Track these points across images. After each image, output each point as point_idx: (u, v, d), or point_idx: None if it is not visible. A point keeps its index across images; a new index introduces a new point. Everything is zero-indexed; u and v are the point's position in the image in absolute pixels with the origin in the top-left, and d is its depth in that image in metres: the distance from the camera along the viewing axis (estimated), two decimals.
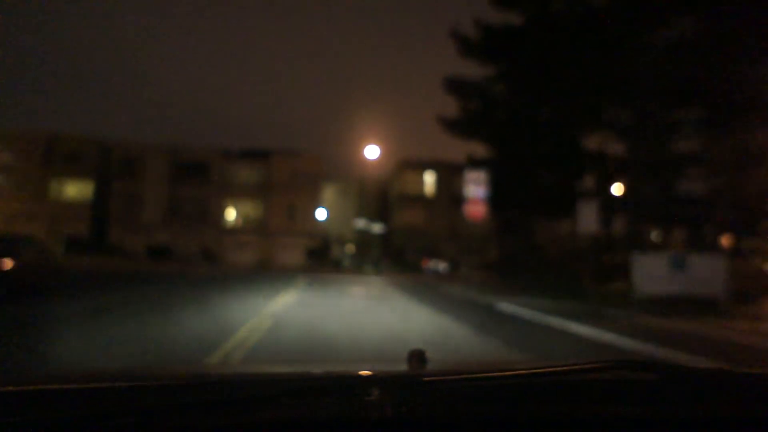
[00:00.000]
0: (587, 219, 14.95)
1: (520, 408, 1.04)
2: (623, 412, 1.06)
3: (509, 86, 23.22)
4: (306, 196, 45.27)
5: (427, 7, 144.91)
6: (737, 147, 17.19)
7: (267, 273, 28.49)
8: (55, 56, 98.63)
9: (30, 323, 7.33)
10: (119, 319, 8.24)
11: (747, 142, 17.02)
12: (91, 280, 17.11)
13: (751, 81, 15.48)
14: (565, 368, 1.07)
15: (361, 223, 47.27)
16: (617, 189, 21.71)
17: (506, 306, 13.85)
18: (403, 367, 1.31)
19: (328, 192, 49.79)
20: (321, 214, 46.18)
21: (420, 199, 45.85)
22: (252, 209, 45.97)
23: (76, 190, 45.17)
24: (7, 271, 9.62)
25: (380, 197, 51.14)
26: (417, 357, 1.31)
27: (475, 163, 21.99)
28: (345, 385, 1.06)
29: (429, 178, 46.44)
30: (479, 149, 25.54)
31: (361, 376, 1.21)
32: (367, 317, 10.26)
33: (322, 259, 43.92)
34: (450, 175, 45.62)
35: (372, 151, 34.75)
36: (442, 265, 40.11)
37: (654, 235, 24.02)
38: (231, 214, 46.20)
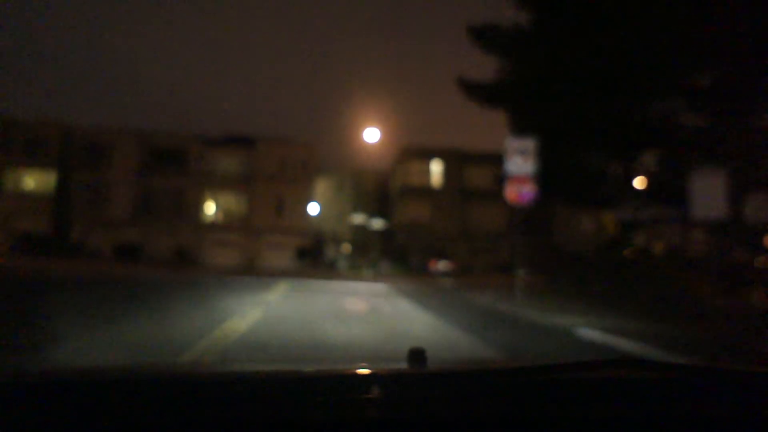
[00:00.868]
0: (708, 200, 9.81)
1: (519, 406, 1.03)
2: (620, 410, 1.05)
3: (550, 37, 18.09)
4: (296, 189, 40.49)
5: None
6: None
7: (245, 277, 23.23)
8: (9, 32, 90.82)
9: None
10: None
11: None
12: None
13: None
14: (564, 366, 1.13)
15: (358, 218, 42.48)
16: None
17: (592, 334, 8.67)
18: (403, 365, 1.27)
19: (322, 184, 45.01)
20: (313, 208, 41.43)
21: (425, 191, 40.77)
22: (234, 203, 40.92)
23: (35, 181, 40.15)
24: None
25: (380, 190, 46.16)
26: (416, 356, 1.26)
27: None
28: (346, 383, 1.08)
29: (436, 168, 41.33)
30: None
31: (361, 375, 1.21)
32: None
33: (315, 260, 39.05)
34: (460, 165, 40.76)
35: (371, 135, 30.41)
36: (449, 267, 35.22)
37: None
38: (210, 208, 41.15)
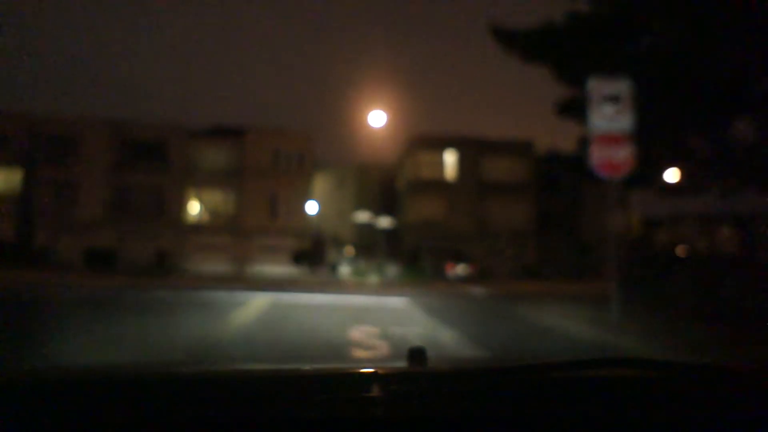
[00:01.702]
0: None
1: (519, 404, 1.04)
2: (620, 409, 1.05)
3: None
4: (292, 185, 36.84)
5: None
6: None
7: (222, 291, 18.62)
8: None
9: None
10: None
11: None
12: None
13: None
14: (564, 365, 1.12)
15: (362, 217, 38.48)
16: None
17: None
18: (403, 365, 1.28)
19: (321, 180, 41.90)
20: (311, 207, 38.12)
21: (438, 185, 36.56)
22: (221, 202, 37.37)
23: None
24: None
25: (387, 186, 42.21)
26: (417, 355, 1.26)
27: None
28: (346, 382, 1.09)
29: (450, 159, 37.00)
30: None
31: (362, 373, 1.23)
32: None
33: (314, 265, 34.84)
34: (476, 155, 36.62)
35: (377, 118, 26.55)
36: (468, 270, 30.87)
37: None
38: (194, 207, 37.68)
